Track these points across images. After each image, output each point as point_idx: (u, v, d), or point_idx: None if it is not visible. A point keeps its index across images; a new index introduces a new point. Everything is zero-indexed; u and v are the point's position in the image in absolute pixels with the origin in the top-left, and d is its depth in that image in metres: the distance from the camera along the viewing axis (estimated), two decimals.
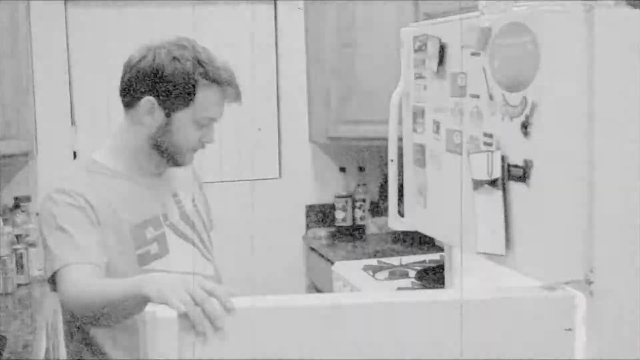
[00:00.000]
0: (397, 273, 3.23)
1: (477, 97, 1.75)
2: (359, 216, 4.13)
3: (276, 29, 4.11)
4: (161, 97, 1.89)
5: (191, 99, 1.89)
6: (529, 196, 1.59)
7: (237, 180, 4.11)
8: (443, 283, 2.24)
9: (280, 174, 4.20)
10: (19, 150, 3.40)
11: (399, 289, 2.96)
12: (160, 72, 1.88)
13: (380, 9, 3.65)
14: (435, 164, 1.97)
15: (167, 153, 1.96)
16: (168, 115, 1.91)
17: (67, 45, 3.86)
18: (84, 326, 1.90)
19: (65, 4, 3.84)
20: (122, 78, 1.98)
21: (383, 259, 3.47)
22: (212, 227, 2.22)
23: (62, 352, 3.80)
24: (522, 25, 1.58)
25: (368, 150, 4.18)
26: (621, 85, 1.56)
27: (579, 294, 1.57)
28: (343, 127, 3.82)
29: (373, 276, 3.21)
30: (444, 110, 1.90)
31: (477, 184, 1.72)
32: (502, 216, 1.65)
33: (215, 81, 1.91)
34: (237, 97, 1.99)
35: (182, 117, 1.91)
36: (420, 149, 2.05)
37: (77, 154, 3.90)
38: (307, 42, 4.11)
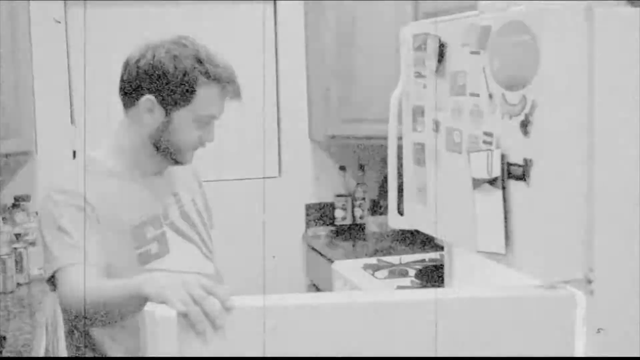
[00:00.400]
0: (396, 272, 3.23)
1: (477, 95, 1.75)
2: (359, 215, 4.14)
3: (276, 28, 4.11)
4: (161, 96, 1.89)
5: (191, 97, 1.89)
6: (529, 195, 1.59)
7: (237, 179, 4.11)
8: (443, 282, 2.24)
9: (280, 172, 4.20)
10: (19, 149, 3.40)
11: (398, 287, 2.96)
12: (159, 71, 1.87)
13: (379, 8, 3.65)
14: (435, 163, 1.97)
15: (167, 152, 1.96)
16: (168, 114, 1.91)
17: (67, 45, 3.86)
18: (85, 326, 1.89)
19: (65, 4, 3.84)
20: (122, 77, 1.98)
21: (383, 258, 3.47)
22: (212, 226, 2.22)
23: (62, 350, 3.80)
24: (521, 23, 1.58)
25: (368, 149, 4.18)
26: (621, 83, 1.56)
27: (578, 293, 1.57)
28: (343, 126, 3.82)
29: (373, 275, 3.21)
30: (443, 109, 1.90)
31: (477, 183, 1.72)
32: (502, 215, 1.65)
33: (215, 79, 1.91)
34: (237, 94, 1.99)
35: (182, 116, 1.91)
36: (420, 147, 2.04)
37: (76, 153, 3.91)
38: (306, 40, 4.11)
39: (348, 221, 4.13)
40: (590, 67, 1.54)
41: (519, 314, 1.51)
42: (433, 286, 2.85)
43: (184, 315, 1.40)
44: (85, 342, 1.92)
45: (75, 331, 1.94)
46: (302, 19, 4.10)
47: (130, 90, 1.94)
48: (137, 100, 1.92)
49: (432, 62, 1.93)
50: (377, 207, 4.15)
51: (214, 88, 1.92)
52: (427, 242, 3.69)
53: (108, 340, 1.89)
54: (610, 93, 1.55)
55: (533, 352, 1.50)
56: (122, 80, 1.98)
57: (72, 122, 3.90)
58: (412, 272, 3.19)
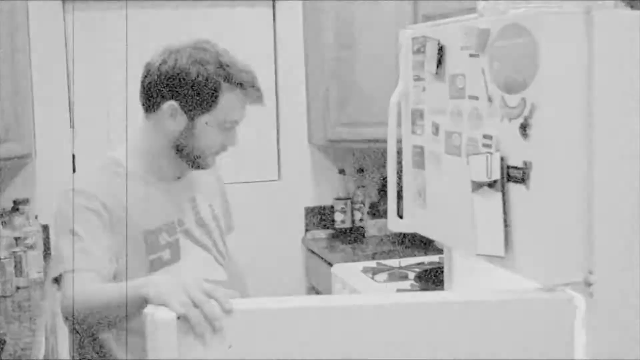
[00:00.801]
0: (396, 275, 3.23)
1: (476, 98, 1.75)
2: (358, 218, 4.13)
3: (275, 31, 4.12)
4: (183, 101, 1.88)
5: (214, 103, 1.88)
6: (528, 198, 1.59)
7: (237, 183, 4.11)
8: (442, 285, 2.23)
9: (279, 176, 4.19)
10: (18, 153, 3.39)
11: (398, 290, 2.96)
12: (182, 76, 1.86)
13: (379, 11, 3.65)
14: (434, 166, 1.97)
15: (189, 157, 1.95)
16: (191, 119, 1.89)
17: (66, 48, 3.86)
18: (86, 329, 1.89)
19: (63, 4, 3.84)
20: (143, 82, 1.95)
21: (382, 261, 3.47)
22: (232, 229, 2.21)
23: (61, 354, 3.80)
24: (521, 26, 1.58)
25: (367, 153, 4.18)
26: (620, 86, 1.56)
27: (578, 296, 1.57)
28: (342, 129, 3.82)
29: (372, 278, 3.21)
30: (443, 112, 1.90)
31: (476, 186, 1.72)
32: (502, 218, 1.65)
33: (238, 84, 1.90)
34: (259, 99, 1.98)
35: (205, 121, 1.90)
36: (420, 150, 2.04)
37: (75, 157, 3.91)
38: (305, 43, 4.11)
39: (347, 224, 4.12)
40: (589, 70, 1.54)
41: (519, 317, 1.51)
42: (432, 289, 2.84)
43: (183, 318, 1.41)
44: (93, 345, 1.92)
45: (86, 342, 1.94)
46: (301, 22, 4.10)
47: (152, 95, 1.92)
48: (159, 105, 1.90)
49: (431, 65, 1.93)
50: (377, 211, 4.15)
51: (237, 93, 1.91)
52: (426, 245, 3.69)
53: (116, 344, 1.88)
54: (609, 95, 1.55)
55: (533, 354, 1.50)
56: (143, 85, 1.95)
57: (71, 125, 3.89)
58: (411, 275, 3.18)
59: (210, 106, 1.88)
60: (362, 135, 3.73)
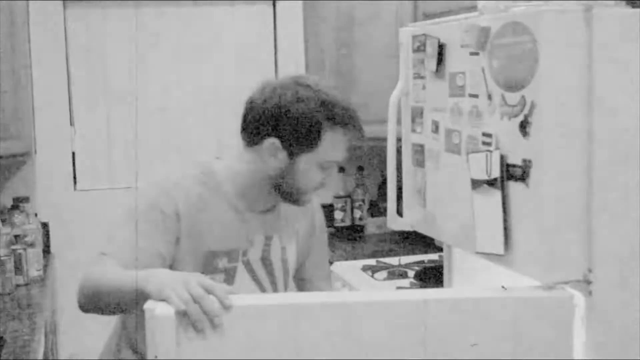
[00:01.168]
0: (396, 273, 3.23)
1: (476, 96, 1.75)
2: (358, 216, 4.13)
3: (275, 29, 4.11)
4: (285, 139, 1.84)
5: (316, 143, 1.85)
6: (528, 196, 1.59)
7: None
8: (442, 283, 2.24)
9: None
10: (18, 150, 3.39)
11: (397, 288, 2.96)
12: (286, 114, 1.83)
13: (379, 9, 3.65)
14: (434, 164, 1.97)
15: (285, 193, 1.92)
16: (291, 157, 1.86)
17: (66, 45, 3.86)
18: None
19: (63, 4, 3.84)
20: (245, 117, 1.92)
21: (382, 259, 3.47)
22: (326, 278, 2.21)
23: (61, 352, 3.80)
24: (521, 24, 1.58)
25: (367, 151, 4.18)
26: (620, 84, 1.56)
27: (577, 294, 1.57)
28: None
29: (372, 276, 3.21)
30: (442, 110, 1.90)
31: (476, 184, 1.72)
32: (501, 216, 1.65)
33: (340, 124, 1.86)
34: (361, 137, 1.95)
35: (306, 160, 1.87)
36: (419, 148, 2.04)
37: (75, 154, 3.91)
38: (305, 42, 4.10)
39: (347, 222, 4.12)
40: (589, 68, 1.54)
41: (518, 315, 1.51)
42: (432, 287, 2.84)
43: (183, 313, 1.41)
44: (129, 344, 1.92)
45: (122, 347, 1.95)
46: (301, 20, 4.10)
47: (254, 132, 1.89)
48: (261, 141, 1.87)
49: (431, 63, 1.93)
50: (376, 209, 4.15)
51: (339, 133, 1.87)
52: (426, 243, 3.69)
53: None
54: (609, 94, 1.55)
55: (532, 352, 1.50)
56: (245, 121, 1.93)
57: (71, 123, 3.90)
58: (411, 274, 3.19)
59: (312, 145, 1.85)
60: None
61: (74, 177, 3.92)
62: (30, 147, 3.55)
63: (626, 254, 1.58)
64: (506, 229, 1.65)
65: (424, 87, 2.01)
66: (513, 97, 1.61)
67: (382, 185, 4.14)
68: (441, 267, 2.25)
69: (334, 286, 3.41)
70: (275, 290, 2.04)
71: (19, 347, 2.51)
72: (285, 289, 2.08)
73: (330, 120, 1.84)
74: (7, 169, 3.71)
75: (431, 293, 1.60)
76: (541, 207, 1.56)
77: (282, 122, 1.84)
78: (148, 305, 1.44)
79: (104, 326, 3.92)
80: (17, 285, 3.23)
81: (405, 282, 3.08)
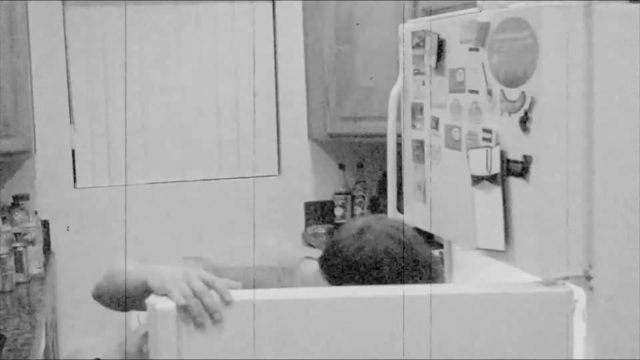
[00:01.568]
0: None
1: (476, 92, 1.75)
2: (358, 213, 4.13)
3: (275, 27, 4.11)
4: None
5: None
6: (528, 192, 1.59)
7: (237, 178, 4.11)
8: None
9: (279, 171, 4.20)
10: (18, 148, 3.39)
11: None
12: (374, 268, 1.69)
13: (378, 5, 3.64)
14: (434, 160, 1.97)
15: None
16: None
17: (66, 44, 3.86)
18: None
19: (63, 3, 3.83)
20: (329, 259, 1.78)
21: None
22: None
23: (61, 350, 3.81)
24: (521, 20, 1.58)
25: (367, 147, 4.18)
26: (620, 79, 1.56)
27: (578, 290, 1.57)
28: (342, 124, 3.81)
29: None
30: (442, 106, 1.90)
31: (476, 180, 1.72)
32: (501, 212, 1.65)
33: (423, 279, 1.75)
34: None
35: None
36: (419, 145, 2.04)
37: (75, 152, 3.91)
38: (305, 39, 4.10)
39: (347, 219, 4.12)
40: (589, 64, 1.54)
41: (518, 310, 1.51)
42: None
43: (184, 308, 1.42)
44: None
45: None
46: (300, 17, 4.10)
47: (337, 276, 1.75)
48: (340, 283, 1.74)
49: (431, 59, 1.93)
50: (377, 205, 4.15)
51: None
52: (426, 239, 3.68)
53: None
54: (609, 89, 1.55)
55: (532, 348, 1.50)
56: (328, 261, 1.78)
57: (71, 121, 3.90)
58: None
59: None
60: (362, 130, 3.72)
61: (74, 175, 3.92)
62: (30, 145, 3.55)
63: (627, 249, 1.58)
64: (506, 225, 1.65)
65: (423, 84, 2.00)
66: (513, 93, 1.61)
67: (383, 181, 4.14)
68: (442, 263, 2.25)
69: None
70: None
71: (19, 344, 2.52)
72: None
73: (413, 280, 1.72)
74: (7, 167, 3.71)
75: (432, 289, 1.60)
76: (541, 203, 1.56)
77: (369, 274, 1.70)
78: (149, 300, 1.46)
79: (104, 324, 3.92)
80: (18, 283, 3.23)
81: None
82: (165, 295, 1.46)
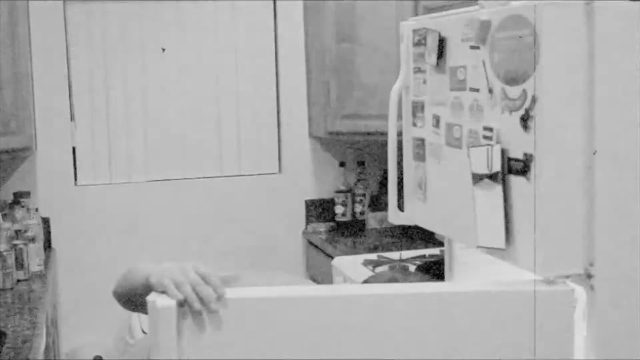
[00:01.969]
0: (397, 267, 3.23)
1: (477, 90, 1.75)
2: (359, 211, 4.13)
3: (276, 24, 4.11)
4: None
5: None
6: (529, 190, 1.58)
7: (238, 176, 4.12)
8: (443, 277, 2.24)
9: (280, 169, 4.20)
10: (19, 146, 3.39)
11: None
12: None
13: (379, 3, 3.64)
14: (435, 158, 1.97)
15: None
16: None
17: (66, 41, 3.86)
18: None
19: (63, 2, 3.83)
20: None
21: (383, 254, 3.47)
22: None
23: (62, 347, 3.81)
24: (522, 18, 1.58)
25: (368, 145, 4.18)
26: (621, 77, 1.55)
27: (579, 288, 1.56)
28: (342, 122, 3.82)
29: (373, 271, 3.21)
30: (443, 104, 1.90)
31: (477, 178, 1.72)
32: (502, 210, 1.65)
33: None
34: None
35: None
36: (420, 143, 2.04)
37: (75, 149, 3.91)
38: (306, 37, 4.10)
39: (348, 217, 4.12)
40: (590, 61, 1.53)
41: (519, 309, 1.51)
42: (433, 282, 2.84)
43: (182, 304, 1.43)
44: None
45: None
46: (301, 15, 4.10)
47: None
48: None
49: (432, 57, 1.93)
50: (377, 203, 4.15)
51: None
52: (427, 237, 3.69)
53: None
54: (610, 87, 1.54)
55: (532, 347, 1.50)
56: None
57: (72, 118, 3.90)
58: (412, 268, 3.18)
59: None
60: (362, 128, 3.73)
61: (75, 172, 3.93)
62: (31, 143, 3.55)
63: (628, 247, 1.58)
64: (507, 223, 1.65)
65: (424, 82, 2.00)
66: (514, 91, 1.61)
67: (383, 179, 4.14)
68: (442, 261, 2.25)
69: (335, 280, 3.41)
70: None
71: (20, 341, 2.52)
72: None
73: None
74: (8, 164, 3.72)
75: (431, 287, 1.60)
76: (542, 201, 1.56)
77: None
78: (150, 297, 1.46)
79: (104, 321, 3.92)
80: (18, 280, 3.23)
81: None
82: (164, 292, 1.46)
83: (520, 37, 1.58)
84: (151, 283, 1.51)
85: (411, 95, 2.09)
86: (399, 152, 2.15)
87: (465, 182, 1.77)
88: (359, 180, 4.16)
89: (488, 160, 1.69)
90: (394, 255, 3.44)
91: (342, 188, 4.13)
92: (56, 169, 3.86)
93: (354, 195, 4.13)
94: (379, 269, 3.22)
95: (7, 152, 3.32)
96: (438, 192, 1.99)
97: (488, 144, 1.69)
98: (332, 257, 3.56)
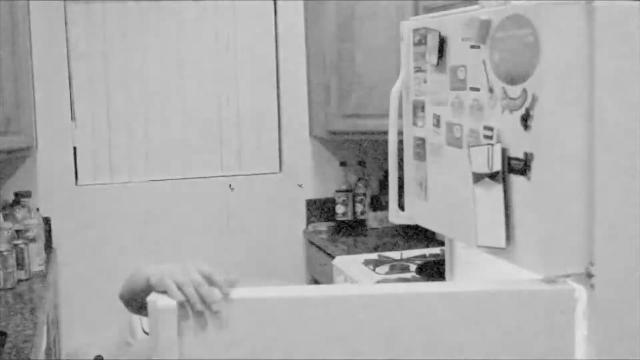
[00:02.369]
0: (397, 267, 3.23)
1: (477, 90, 1.75)
2: (360, 210, 4.13)
3: (276, 24, 4.11)
4: None
5: None
6: (530, 189, 1.59)
7: (238, 175, 4.12)
8: (443, 277, 2.24)
9: (280, 168, 4.20)
10: (19, 145, 3.39)
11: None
12: None
13: (380, 3, 3.64)
14: (435, 158, 1.97)
15: None
16: None
17: (67, 41, 3.86)
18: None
19: (64, 2, 3.83)
20: None
21: (383, 253, 3.47)
22: None
23: (63, 347, 3.81)
24: (522, 17, 1.58)
25: (368, 145, 4.18)
26: (621, 77, 1.55)
27: (579, 287, 1.56)
28: (343, 122, 3.82)
29: (373, 270, 3.21)
30: (444, 103, 1.90)
31: (478, 177, 1.72)
32: (503, 209, 1.65)
33: None
34: None
35: None
36: (421, 142, 2.04)
37: (76, 149, 3.91)
38: (307, 36, 4.10)
39: (349, 217, 4.12)
40: (590, 61, 1.53)
41: (519, 308, 1.51)
42: (434, 281, 2.84)
43: (183, 304, 1.43)
44: None
45: None
46: (302, 15, 4.10)
47: None
48: None
49: (432, 57, 1.93)
50: (378, 203, 4.15)
51: None
52: (428, 237, 3.69)
53: None
54: (610, 86, 1.54)
55: (533, 346, 1.50)
56: None
57: (72, 118, 3.90)
58: (413, 267, 3.19)
59: None
60: (363, 128, 3.73)
61: (76, 172, 3.93)
62: (31, 142, 3.55)
63: (628, 247, 1.58)
64: (507, 223, 1.65)
65: (425, 81, 2.00)
66: (514, 90, 1.61)
67: (384, 179, 4.15)
68: (443, 260, 2.25)
69: (335, 280, 3.41)
70: None
71: (21, 341, 2.52)
72: None
73: None
74: (8, 164, 3.72)
75: (432, 287, 1.60)
76: (542, 201, 1.56)
77: None
78: (150, 297, 1.46)
79: (105, 321, 3.92)
80: (19, 280, 3.23)
81: (407, 276, 3.08)
82: (165, 292, 1.46)
83: (520, 36, 1.58)
84: (152, 284, 1.50)
85: (411, 95, 2.09)
86: (400, 151, 2.15)
87: (465, 182, 1.77)
88: (359, 179, 4.16)
89: (488, 159, 1.69)
90: (395, 254, 3.44)
91: (343, 187, 4.13)
92: (57, 169, 3.86)
93: (354, 194, 4.13)
94: (380, 269, 3.22)
95: (7, 152, 3.32)
96: (438, 192, 1.99)
97: (488, 144, 1.69)
98: (332, 257, 3.56)
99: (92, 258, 3.89)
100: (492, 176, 1.68)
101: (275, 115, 4.16)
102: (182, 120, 4.03)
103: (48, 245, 3.74)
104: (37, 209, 3.64)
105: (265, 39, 4.11)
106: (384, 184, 4.12)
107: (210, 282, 1.45)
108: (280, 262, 4.09)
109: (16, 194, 3.55)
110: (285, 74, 4.12)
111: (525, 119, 1.58)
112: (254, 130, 4.12)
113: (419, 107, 2.05)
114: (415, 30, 2.03)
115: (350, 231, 4.06)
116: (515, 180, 1.63)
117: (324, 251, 3.82)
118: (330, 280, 3.51)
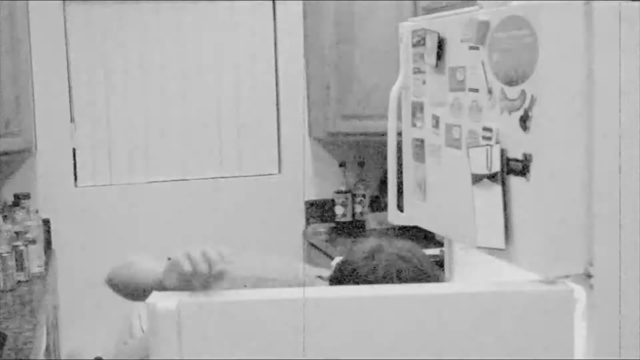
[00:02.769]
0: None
1: (476, 91, 1.75)
2: (359, 211, 4.13)
3: (275, 25, 4.11)
4: None
5: None
6: (529, 190, 1.59)
7: (237, 176, 4.11)
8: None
9: (279, 169, 4.20)
10: (19, 147, 3.39)
11: None
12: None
13: (379, 4, 3.64)
14: (434, 159, 1.97)
15: None
16: None
17: (66, 42, 3.86)
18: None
19: (63, 2, 3.83)
20: (341, 276, 1.75)
21: None
22: None
23: (62, 348, 3.81)
24: (521, 18, 1.58)
25: (367, 146, 4.18)
26: (620, 78, 1.56)
27: (578, 288, 1.57)
28: (342, 123, 3.82)
29: None
30: (443, 104, 1.90)
31: (477, 178, 1.72)
32: (502, 210, 1.65)
33: None
34: None
35: None
36: (420, 143, 2.04)
37: (76, 151, 3.91)
38: (306, 38, 4.10)
39: (348, 218, 4.12)
40: (589, 62, 1.54)
41: (519, 309, 1.51)
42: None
43: (183, 305, 1.45)
44: None
45: None
46: (301, 16, 4.10)
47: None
48: None
49: (431, 58, 1.93)
50: (377, 204, 4.15)
51: None
52: (427, 238, 3.68)
53: None
54: (609, 87, 1.55)
55: (533, 347, 1.50)
56: (340, 278, 1.76)
57: (72, 119, 3.90)
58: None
59: None
60: (362, 129, 3.72)
61: (75, 174, 3.93)
62: (31, 144, 3.55)
63: (627, 247, 1.58)
64: (507, 224, 1.65)
65: (424, 82, 2.00)
66: (513, 91, 1.61)
67: (383, 180, 4.14)
68: (442, 261, 2.25)
69: None
70: None
71: (20, 343, 2.52)
72: None
73: None
74: (8, 166, 3.71)
75: (432, 288, 1.60)
76: (542, 201, 1.56)
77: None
78: (150, 299, 1.47)
79: (105, 322, 3.92)
80: (19, 282, 3.23)
81: None
82: (172, 271, 1.55)
83: (519, 37, 1.59)
84: (168, 286, 1.58)
85: (411, 96, 2.09)
86: (399, 152, 2.15)
87: (464, 183, 1.77)
88: (359, 180, 4.16)
89: (487, 160, 1.69)
90: None
91: (342, 189, 4.13)
92: (56, 170, 3.86)
93: (354, 195, 4.13)
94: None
95: (7, 153, 3.32)
96: (438, 193, 1.99)
97: (487, 145, 1.69)
98: (332, 258, 3.56)
99: (92, 259, 3.88)
100: (491, 177, 1.68)
101: (274, 117, 4.16)
102: (182, 122, 4.03)
103: (47, 247, 3.74)
104: (37, 211, 3.63)
105: (265, 40, 4.11)
106: (383, 185, 4.12)
107: (206, 258, 1.53)
108: None
109: (16, 196, 3.55)
110: (285, 74, 4.12)
111: (524, 120, 1.58)
112: (253, 132, 4.12)
113: (418, 108, 2.05)
114: (414, 32, 2.03)
115: (350, 232, 4.06)
116: (514, 181, 1.63)
117: (324, 252, 3.82)
118: None
